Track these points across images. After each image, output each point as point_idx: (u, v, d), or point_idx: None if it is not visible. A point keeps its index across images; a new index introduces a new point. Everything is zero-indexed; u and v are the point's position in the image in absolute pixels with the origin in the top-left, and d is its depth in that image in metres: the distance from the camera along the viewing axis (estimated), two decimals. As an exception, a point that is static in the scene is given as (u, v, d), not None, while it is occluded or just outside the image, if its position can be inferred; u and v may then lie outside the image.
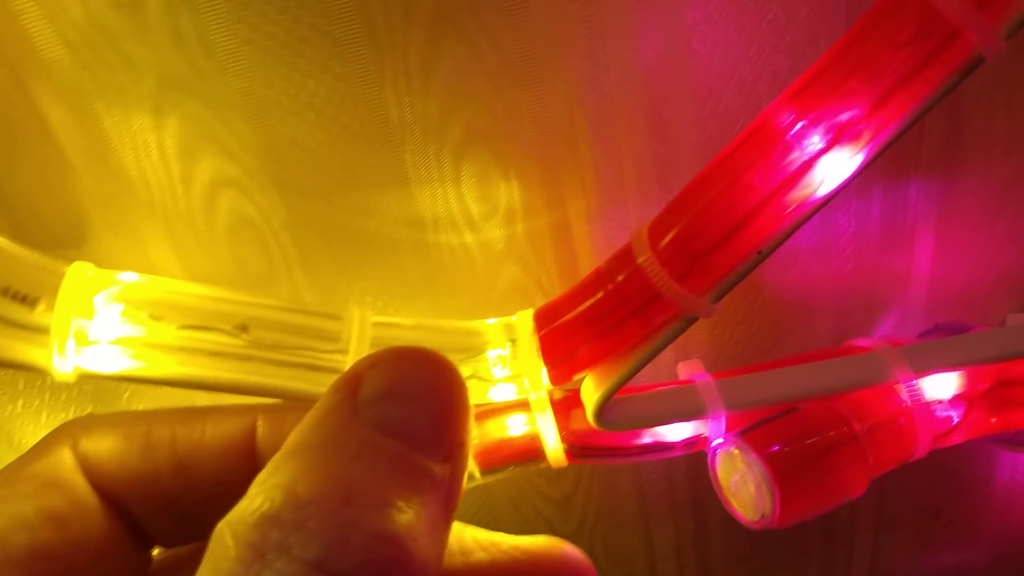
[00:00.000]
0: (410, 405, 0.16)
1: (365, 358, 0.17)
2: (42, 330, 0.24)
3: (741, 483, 0.27)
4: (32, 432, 0.33)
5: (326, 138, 0.28)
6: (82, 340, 0.24)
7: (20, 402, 0.32)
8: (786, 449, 0.26)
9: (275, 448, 0.16)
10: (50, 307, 0.23)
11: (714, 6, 0.27)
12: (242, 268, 0.30)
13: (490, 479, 0.30)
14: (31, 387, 0.32)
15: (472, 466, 0.30)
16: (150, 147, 0.27)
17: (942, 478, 0.43)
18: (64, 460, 0.18)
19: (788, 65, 0.28)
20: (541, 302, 0.27)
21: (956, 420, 0.28)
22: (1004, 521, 0.44)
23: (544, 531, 0.40)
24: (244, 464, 0.19)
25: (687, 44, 0.28)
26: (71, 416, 0.32)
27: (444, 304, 0.32)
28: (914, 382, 0.28)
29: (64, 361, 0.24)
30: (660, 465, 0.39)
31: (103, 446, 0.19)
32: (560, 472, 0.39)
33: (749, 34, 0.28)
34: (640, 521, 0.41)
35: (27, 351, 0.24)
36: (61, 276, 0.24)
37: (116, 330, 0.24)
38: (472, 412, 0.17)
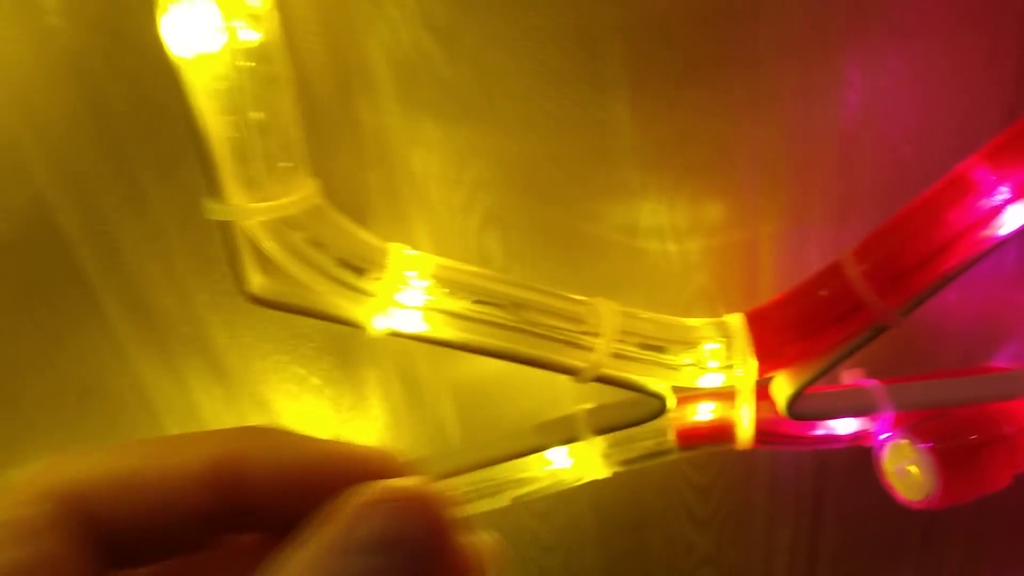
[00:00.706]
0: (401, 561, 0.16)
1: (365, 491, 0.16)
2: (366, 294, 0.29)
3: (906, 470, 0.32)
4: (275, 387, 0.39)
5: (573, 161, 0.34)
6: (396, 304, 0.30)
7: (272, 359, 0.38)
8: (950, 443, 0.31)
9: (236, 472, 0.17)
10: (374, 277, 0.29)
11: (905, 75, 0.33)
12: (484, 258, 0.36)
13: (681, 456, 0.35)
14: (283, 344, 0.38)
15: (669, 440, 0.35)
16: (432, 147, 0.33)
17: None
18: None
19: (957, 126, 0.33)
20: (721, 309, 0.33)
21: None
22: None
23: (683, 516, 0.45)
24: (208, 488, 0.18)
25: (880, 104, 0.33)
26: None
27: (639, 302, 0.37)
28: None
29: (384, 320, 0.30)
30: (791, 461, 0.44)
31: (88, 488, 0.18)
32: (705, 463, 0.44)
33: (931, 101, 0.34)
34: (766, 513, 0.47)
35: (352, 309, 0.30)
36: (383, 252, 0.30)
37: (421, 299, 0.30)
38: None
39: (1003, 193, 0.29)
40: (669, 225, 0.36)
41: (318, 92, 0.30)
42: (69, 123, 0.32)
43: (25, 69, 0.30)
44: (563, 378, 0.38)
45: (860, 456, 0.42)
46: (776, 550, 0.48)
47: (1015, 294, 0.39)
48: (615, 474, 0.42)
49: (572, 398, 0.37)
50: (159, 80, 0.30)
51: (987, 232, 0.29)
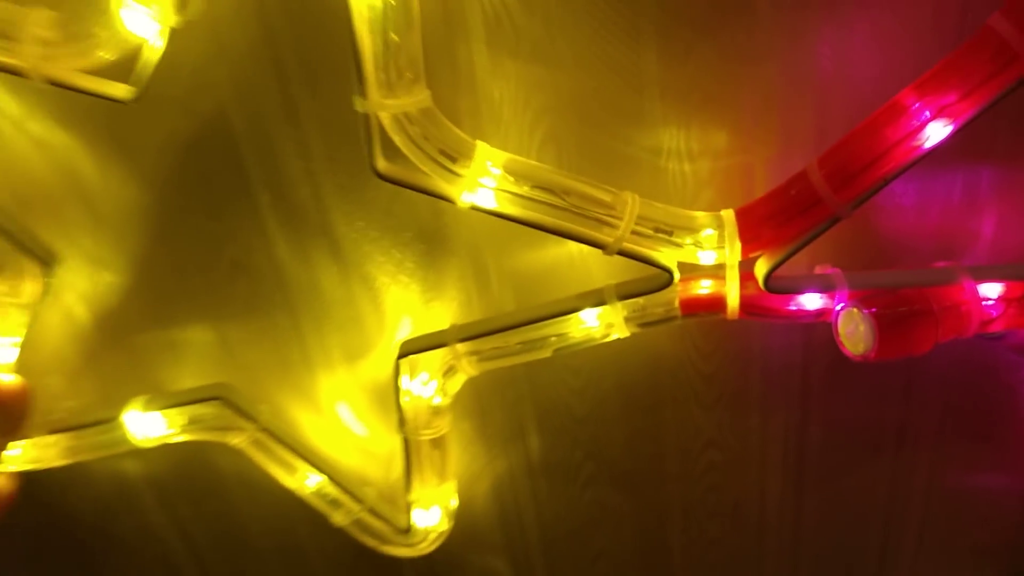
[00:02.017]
0: None
1: None
2: (457, 175, 0.41)
3: (854, 331, 0.43)
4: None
5: (613, 94, 0.45)
6: (478, 185, 0.41)
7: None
8: (888, 311, 0.42)
9: None
10: (463, 164, 0.41)
11: (867, 34, 0.44)
12: (542, 170, 0.47)
13: (684, 321, 0.46)
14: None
15: (675, 308, 0.46)
16: (508, 80, 0.45)
17: (997, 406, 0.57)
18: None
19: (908, 74, 0.43)
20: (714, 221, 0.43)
21: (996, 314, 0.43)
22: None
23: (692, 400, 0.56)
24: None
25: (848, 56, 0.44)
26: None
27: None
28: (973, 285, 0.43)
29: (468, 195, 0.41)
30: (782, 358, 0.55)
31: None
32: (711, 352, 0.55)
33: (887, 54, 0.44)
34: (761, 403, 0.57)
35: (447, 187, 0.41)
36: (472, 146, 0.41)
37: (494, 183, 0.42)
38: None
39: (925, 115, 0.39)
40: (685, 149, 0.47)
41: (430, 32, 0.42)
42: (248, 50, 0.44)
43: (220, 10, 0.43)
44: (597, 267, 0.49)
45: (840, 361, 0.52)
46: (770, 439, 0.59)
47: (962, 219, 0.49)
48: (632, 354, 0.53)
49: (602, 283, 0.48)
50: (317, 17, 0.43)
51: (915, 143, 0.39)
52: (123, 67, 0.39)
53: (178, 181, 0.48)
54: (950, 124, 0.39)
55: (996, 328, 0.44)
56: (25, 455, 0.55)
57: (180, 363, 0.56)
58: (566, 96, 0.45)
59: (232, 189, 0.49)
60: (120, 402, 0.54)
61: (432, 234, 0.50)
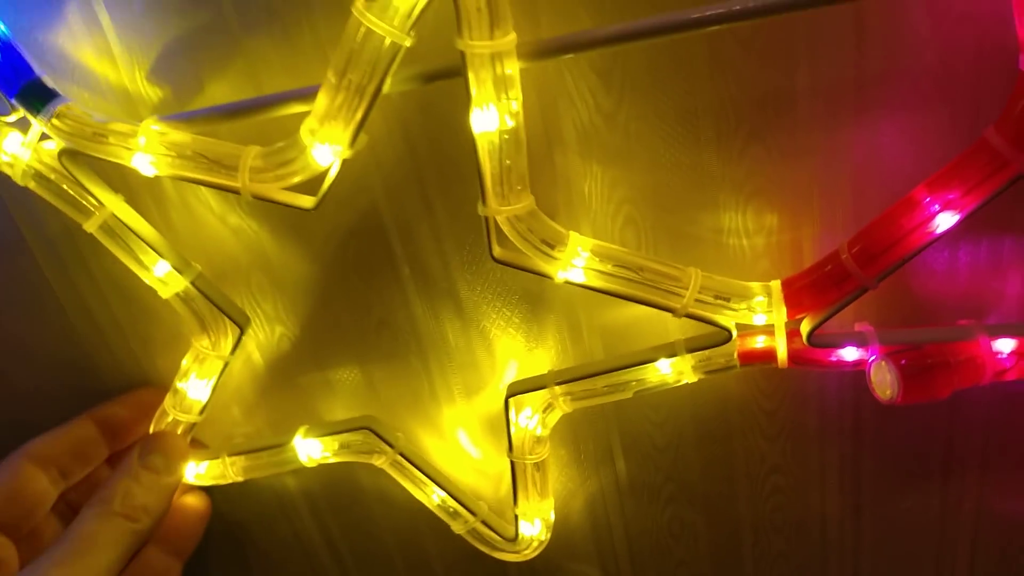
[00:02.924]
0: None
1: None
2: (555, 259, 0.53)
3: (883, 380, 0.52)
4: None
5: (680, 187, 0.56)
6: (571, 265, 0.53)
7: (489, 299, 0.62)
8: (911, 363, 0.51)
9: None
10: (560, 249, 0.53)
11: (894, 136, 0.53)
12: (624, 245, 0.58)
13: (728, 374, 0.56)
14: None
15: (734, 359, 0.56)
16: (595, 180, 0.56)
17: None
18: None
19: (926, 170, 0.52)
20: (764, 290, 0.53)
21: (1009, 365, 0.51)
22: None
23: (757, 432, 0.66)
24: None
25: (879, 156, 0.54)
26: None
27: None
28: (988, 340, 0.52)
29: (563, 273, 0.53)
30: (835, 397, 0.64)
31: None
32: (773, 391, 0.64)
33: (911, 154, 0.53)
34: (818, 435, 0.66)
35: (547, 267, 0.53)
36: (566, 236, 0.53)
37: (584, 263, 0.53)
38: None
39: (935, 208, 0.48)
40: (743, 228, 0.57)
41: (533, 144, 0.54)
42: (396, 162, 0.57)
43: (377, 132, 0.56)
44: (671, 323, 0.60)
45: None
46: (828, 466, 0.68)
47: (987, 279, 0.57)
48: (705, 393, 0.64)
49: (673, 337, 0.59)
50: (449, 139, 0.56)
51: (928, 230, 0.49)
52: (307, 184, 0.53)
53: (340, 258, 0.62)
54: (957, 214, 0.48)
55: (1009, 378, 0.52)
56: (210, 472, 0.70)
57: (334, 398, 0.69)
58: (642, 190, 0.57)
59: (381, 264, 0.62)
60: (286, 430, 0.68)
61: (535, 296, 0.62)
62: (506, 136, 0.48)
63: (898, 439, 0.66)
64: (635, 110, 0.54)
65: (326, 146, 0.49)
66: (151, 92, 0.56)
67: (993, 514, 0.69)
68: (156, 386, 0.70)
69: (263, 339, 0.67)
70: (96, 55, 0.56)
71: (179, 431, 0.65)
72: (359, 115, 0.48)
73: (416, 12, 0.44)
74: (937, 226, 0.48)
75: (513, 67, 0.46)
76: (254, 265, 0.63)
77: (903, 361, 0.51)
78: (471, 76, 0.46)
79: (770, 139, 0.54)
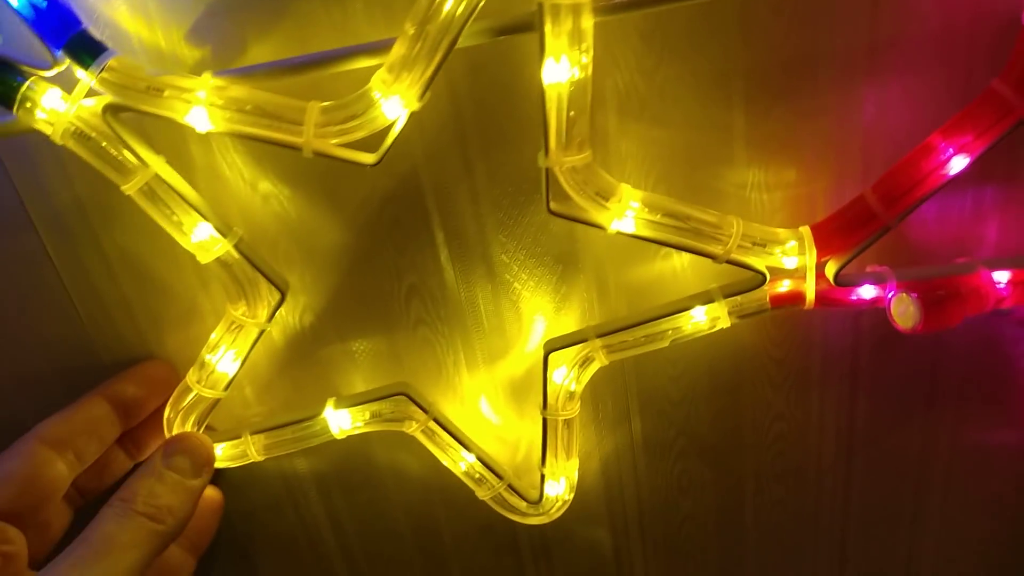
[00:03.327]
0: None
1: None
2: (607, 209, 0.55)
3: (904, 311, 0.57)
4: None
5: (710, 145, 0.60)
6: (621, 215, 0.56)
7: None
8: (928, 294, 0.57)
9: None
10: (613, 200, 0.55)
11: (902, 94, 0.59)
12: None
13: (763, 316, 0.61)
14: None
15: (766, 302, 0.60)
16: (632, 138, 0.59)
17: (1004, 374, 0.72)
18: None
19: (933, 124, 0.58)
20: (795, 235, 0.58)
21: (1006, 294, 0.58)
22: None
23: (765, 381, 0.70)
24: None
25: (887, 114, 0.59)
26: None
27: (744, 232, 0.63)
28: (988, 273, 0.58)
29: (616, 223, 0.55)
30: (836, 344, 0.69)
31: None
32: (782, 340, 0.69)
33: (919, 109, 0.59)
34: (820, 381, 0.71)
35: (600, 218, 0.56)
36: (617, 186, 0.56)
37: (635, 214, 0.56)
38: None
39: (949, 152, 0.54)
40: (763, 183, 0.62)
41: (579, 105, 0.57)
42: (440, 124, 0.58)
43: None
44: (690, 279, 0.63)
45: (881, 345, 0.67)
46: (826, 411, 0.73)
47: (971, 225, 0.64)
48: (721, 345, 0.68)
49: (695, 290, 0.62)
50: (493, 101, 0.57)
51: (943, 172, 0.54)
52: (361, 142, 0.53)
53: (374, 225, 0.62)
54: (968, 157, 0.54)
55: (1007, 305, 0.59)
56: (227, 453, 0.68)
57: (354, 370, 0.69)
58: (675, 148, 0.60)
59: (416, 230, 0.63)
60: (301, 409, 0.67)
61: (568, 256, 0.64)
62: (574, 88, 0.51)
63: (888, 381, 0.72)
64: (672, 71, 0.57)
65: (395, 98, 0.50)
66: (188, 52, 0.55)
67: (964, 446, 0.76)
68: (162, 360, 0.67)
69: (284, 312, 0.66)
70: (130, 12, 0.54)
71: (201, 409, 0.63)
72: (433, 67, 0.49)
73: (500, -37, 0.46)
74: (951, 168, 0.54)
75: (588, 20, 0.48)
76: (282, 233, 0.62)
77: (922, 293, 0.57)
78: (548, 27, 0.48)
79: (792, 100, 0.59)
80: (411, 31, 0.48)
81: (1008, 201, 0.63)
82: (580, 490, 0.76)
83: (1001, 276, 0.59)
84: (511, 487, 0.71)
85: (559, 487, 0.70)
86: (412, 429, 0.67)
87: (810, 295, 0.59)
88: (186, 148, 0.59)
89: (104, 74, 0.50)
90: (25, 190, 0.60)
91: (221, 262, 0.57)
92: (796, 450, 0.75)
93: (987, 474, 0.78)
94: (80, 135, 0.52)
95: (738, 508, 0.79)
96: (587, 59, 0.50)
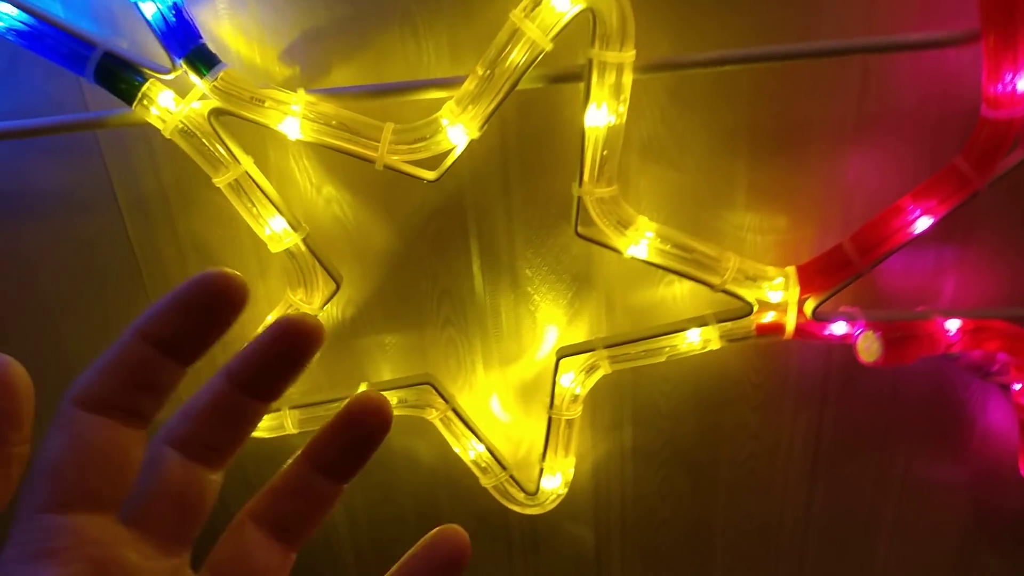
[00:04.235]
0: None
1: None
2: (625, 235, 0.65)
3: (869, 347, 0.67)
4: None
5: (716, 189, 0.70)
6: (636, 243, 0.65)
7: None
8: (889, 334, 0.66)
9: None
10: (632, 229, 0.65)
11: (879, 163, 0.69)
12: (664, 236, 0.71)
13: (736, 345, 0.70)
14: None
15: (752, 330, 0.70)
16: (651, 178, 0.69)
17: (952, 415, 0.81)
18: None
19: (903, 184, 0.68)
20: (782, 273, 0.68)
21: (955, 339, 0.68)
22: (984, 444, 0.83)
23: (743, 402, 0.80)
24: None
25: (866, 175, 0.70)
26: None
27: (738, 268, 0.73)
28: (942, 320, 0.68)
29: (631, 249, 0.65)
30: (808, 375, 0.79)
31: None
32: (761, 366, 0.79)
33: (893, 177, 0.70)
34: (793, 407, 0.81)
35: (619, 243, 0.65)
36: (635, 217, 0.65)
37: (648, 243, 0.65)
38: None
39: (916, 214, 0.64)
40: (759, 226, 0.72)
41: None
42: (487, 152, 0.68)
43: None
44: (686, 305, 0.73)
45: (847, 380, 0.77)
46: (796, 434, 0.82)
47: (932, 278, 0.74)
48: (709, 367, 0.77)
49: (690, 315, 0.72)
50: (536, 137, 0.67)
51: (910, 230, 0.65)
52: (425, 161, 0.62)
53: (419, 233, 0.71)
54: (931, 218, 0.64)
55: (955, 350, 0.69)
56: (265, 424, 0.76)
57: (384, 360, 0.78)
58: (686, 189, 0.70)
59: (455, 240, 0.72)
60: (330, 389, 0.75)
61: (583, 276, 0.74)
62: (610, 132, 0.60)
63: (851, 414, 0.81)
64: (690, 124, 0.67)
65: (459, 127, 0.60)
66: (279, 70, 0.65)
67: (914, 478, 0.86)
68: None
69: (330, 303, 0.74)
70: (234, 31, 0.63)
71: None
72: (495, 104, 0.59)
73: (560, 24, 0.56)
74: (917, 227, 0.64)
75: (629, 77, 0.58)
76: (339, 233, 0.71)
77: (885, 332, 0.67)
78: (595, 79, 0.58)
79: (789, 157, 0.69)
80: (481, 72, 0.58)
81: (964, 261, 0.73)
82: (571, 489, 0.84)
83: (952, 325, 0.69)
84: (513, 478, 0.79)
85: (555, 481, 0.79)
86: (432, 416, 0.75)
87: (790, 326, 0.69)
88: (264, 152, 0.68)
89: (217, 82, 0.59)
90: (117, 176, 0.69)
91: (289, 252, 0.66)
92: (766, 468, 0.84)
93: (933, 506, 0.87)
94: (186, 132, 0.60)
95: (710, 518, 0.88)
96: (623, 108, 0.60)
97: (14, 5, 0.57)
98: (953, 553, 0.90)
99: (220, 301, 0.23)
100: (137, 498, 0.25)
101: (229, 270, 0.23)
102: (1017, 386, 0.73)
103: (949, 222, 0.64)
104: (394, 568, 0.28)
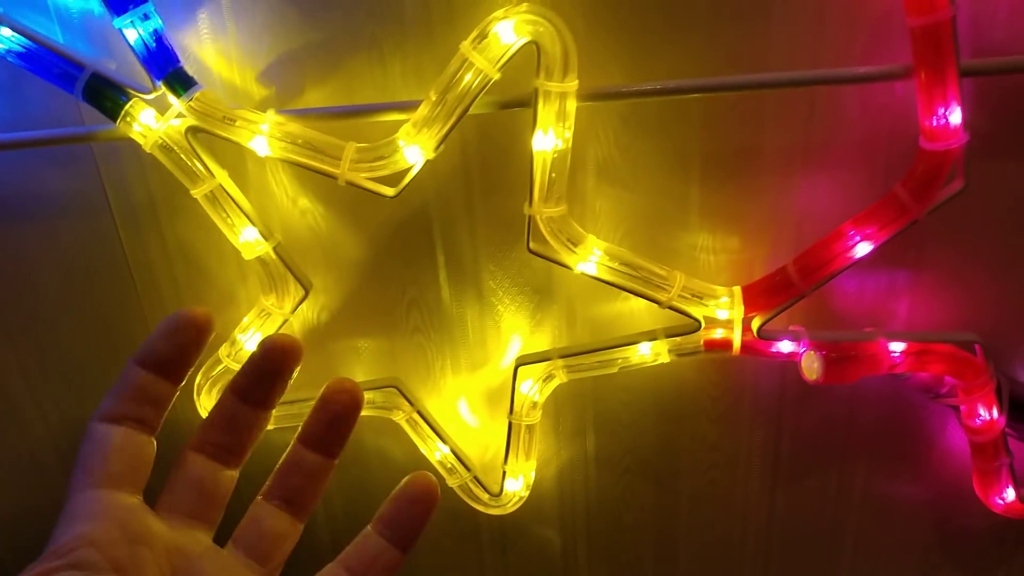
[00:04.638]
0: None
1: None
2: (575, 252, 0.68)
3: (811, 365, 0.70)
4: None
5: (670, 210, 0.73)
6: (585, 259, 0.68)
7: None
8: (831, 354, 0.69)
9: None
10: (580, 247, 0.68)
11: (829, 189, 0.72)
12: (620, 253, 0.75)
13: (691, 359, 0.73)
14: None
15: (700, 345, 0.73)
16: (606, 199, 0.72)
17: (910, 433, 0.83)
18: None
19: (852, 207, 0.71)
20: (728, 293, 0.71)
21: (899, 361, 0.70)
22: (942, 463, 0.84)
23: (703, 415, 0.83)
24: None
25: (816, 199, 0.72)
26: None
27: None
28: (885, 342, 0.70)
29: (580, 264, 0.68)
30: (765, 391, 0.81)
31: None
32: (720, 381, 0.81)
33: (839, 201, 0.72)
34: (750, 420, 0.83)
35: (569, 260, 0.68)
36: (584, 236, 0.69)
37: (598, 260, 0.69)
38: None
39: (856, 240, 0.67)
40: (712, 246, 0.75)
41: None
42: (451, 171, 0.72)
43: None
44: (643, 319, 0.76)
45: (804, 395, 0.79)
46: (754, 447, 0.85)
47: (885, 301, 0.77)
48: (667, 379, 0.80)
49: (648, 328, 0.75)
50: (496, 156, 0.71)
51: (850, 255, 0.67)
52: (386, 178, 0.67)
53: (388, 244, 0.76)
54: (871, 244, 0.66)
55: (900, 371, 0.71)
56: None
57: (357, 363, 0.82)
58: (641, 210, 0.73)
59: (421, 252, 0.76)
60: (305, 388, 0.80)
61: (543, 289, 0.77)
62: (556, 156, 0.64)
63: (808, 429, 0.84)
64: (644, 147, 0.71)
65: (415, 147, 0.64)
66: (257, 90, 0.69)
67: (874, 494, 0.87)
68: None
69: (305, 307, 0.79)
70: (216, 54, 0.68)
71: (227, 379, 0.76)
72: (448, 127, 0.63)
73: (507, 55, 0.60)
74: (856, 252, 0.67)
75: (572, 104, 0.62)
76: (313, 243, 0.76)
77: (826, 352, 0.69)
78: (540, 106, 0.62)
79: (740, 181, 0.72)
80: (433, 97, 0.62)
81: (917, 285, 0.75)
82: (537, 493, 0.88)
83: (897, 346, 0.71)
84: (477, 479, 0.83)
85: (517, 484, 0.82)
86: (398, 418, 0.80)
87: (736, 343, 0.71)
88: (244, 166, 0.73)
89: (192, 103, 0.64)
90: (110, 184, 0.74)
91: (260, 260, 0.70)
92: (727, 480, 0.87)
93: (895, 523, 0.89)
94: (165, 147, 0.65)
95: (673, 526, 0.91)
96: (569, 134, 0.63)
97: (13, 29, 0.63)
98: (916, 570, 0.92)
99: (191, 329, 0.33)
100: (166, 490, 0.34)
101: (196, 308, 0.34)
102: (964, 408, 0.75)
103: (899, 246, 0.67)
104: (378, 512, 0.37)
